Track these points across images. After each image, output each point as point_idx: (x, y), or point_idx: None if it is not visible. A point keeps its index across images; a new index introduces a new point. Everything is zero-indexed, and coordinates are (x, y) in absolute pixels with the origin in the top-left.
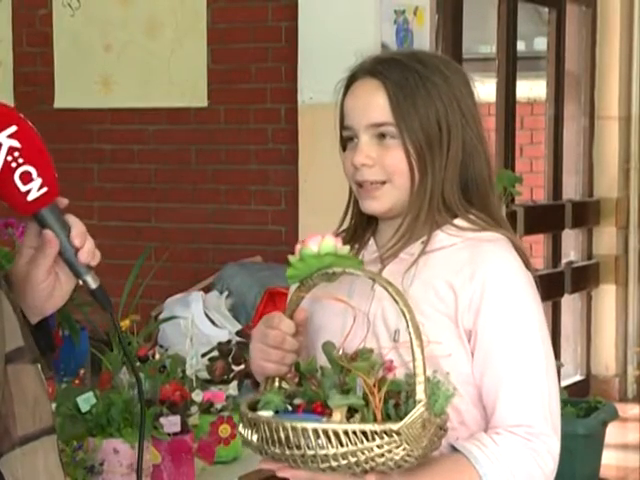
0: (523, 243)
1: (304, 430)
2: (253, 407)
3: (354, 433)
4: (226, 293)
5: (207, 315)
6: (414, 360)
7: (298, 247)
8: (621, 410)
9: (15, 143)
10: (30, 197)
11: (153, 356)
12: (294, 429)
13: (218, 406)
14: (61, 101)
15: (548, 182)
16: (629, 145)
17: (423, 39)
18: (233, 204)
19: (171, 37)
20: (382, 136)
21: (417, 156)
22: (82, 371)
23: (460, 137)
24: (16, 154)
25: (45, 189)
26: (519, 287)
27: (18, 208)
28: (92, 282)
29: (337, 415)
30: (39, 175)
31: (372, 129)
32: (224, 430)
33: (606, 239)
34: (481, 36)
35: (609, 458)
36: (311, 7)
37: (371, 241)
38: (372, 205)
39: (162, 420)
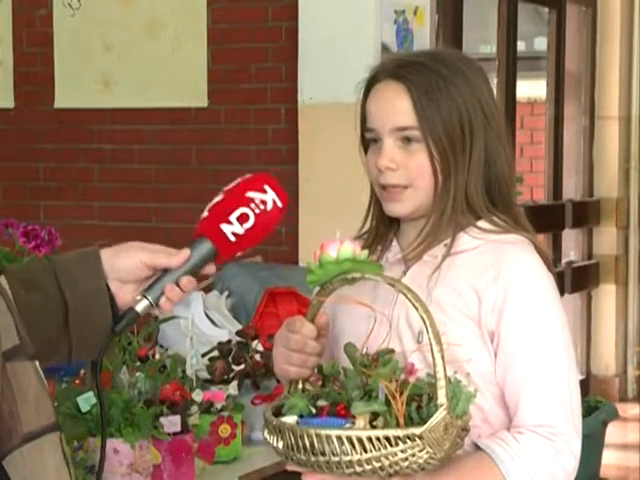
0: (544, 245)
1: (328, 437)
2: (278, 411)
3: (377, 439)
4: (226, 293)
5: (207, 315)
6: (435, 365)
7: (317, 253)
8: (621, 410)
9: (270, 200)
10: (222, 226)
11: (153, 356)
12: (318, 436)
13: (218, 406)
14: (61, 101)
15: (548, 182)
16: (629, 145)
17: (423, 39)
18: None
19: (171, 37)
20: (406, 139)
21: (440, 159)
22: (82, 371)
23: (482, 138)
24: (259, 203)
25: (233, 239)
26: (542, 289)
27: (207, 220)
28: (141, 306)
29: (360, 421)
30: (246, 231)
31: (396, 132)
32: (224, 430)
33: (606, 239)
34: (481, 36)
35: (609, 458)
36: (311, 7)
37: (394, 242)
38: (395, 208)
39: (162, 420)
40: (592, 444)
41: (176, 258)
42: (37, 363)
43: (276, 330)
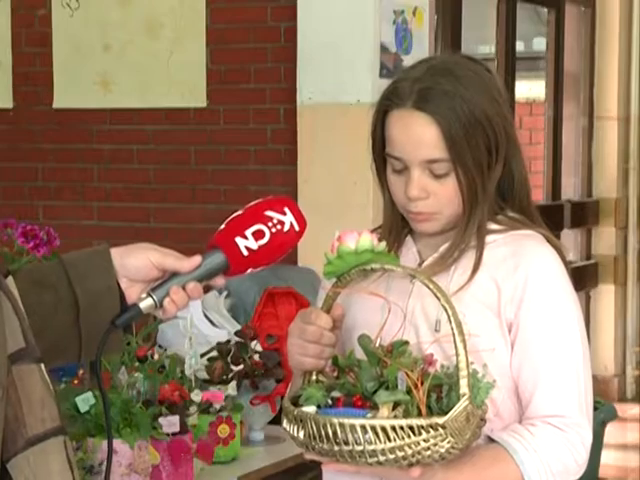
0: (558, 241)
1: (352, 426)
2: (294, 402)
3: (401, 428)
4: (225, 293)
5: (206, 315)
6: (457, 355)
7: (335, 244)
8: (620, 410)
9: (287, 222)
10: (236, 239)
11: (152, 356)
12: (342, 425)
13: (217, 406)
14: (60, 101)
15: (547, 182)
16: (628, 145)
17: (422, 39)
18: (232, 204)
19: (170, 37)
20: (435, 168)
21: (468, 186)
22: (81, 371)
23: (504, 151)
24: (276, 223)
25: (245, 253)
26: (560, 281)
27: (222, 232)
28: (145, 304)
29: (384, 411)
30: (260, 247)
31: (425, 164)
32: (223, 430)
33: (605, 239)
34: (480, 36)
35: (608, 458)
36: (310, 7)
37: (408, 237)
38: (426, 228)
39: (161, 420)
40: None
41: (186, 262)
42: (43, 366)
43: (275, 330)
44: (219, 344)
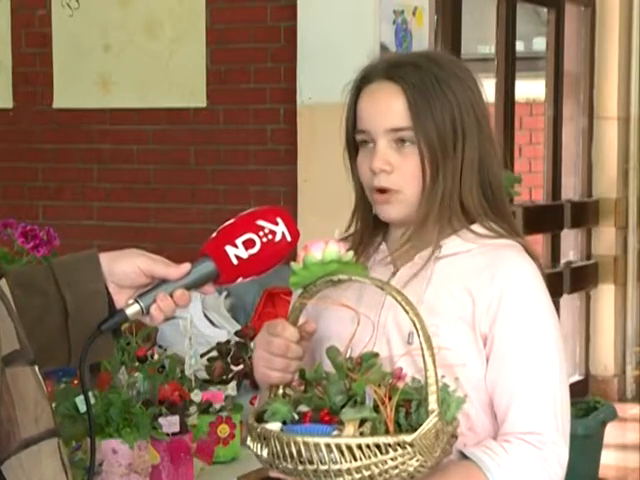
0: (536, 250)
1: (316, 445)
2: (260, 417)
3: (367, 446)
4: (225, 293)
5: (206, 315)
6: (426, 370)
7: (301, 254)
8: (620, 410)
9: (279, 233)
10: (226, 247)
11: (152, 356)
12: (306, 444)
13: (217, 406)
14: (60, 101)
15: (547, 182)
16: (628, 145)
17: (422, 39)
18: (232, 204)
19: (170, 37)
20: (400, 141)
21: (430, 162)
22: None
23: (475, 140)
24: (267, 233)
25: (235, 262)
26: (537, 294)
27: (213, 240)
28: (131, 310)
29: (350, 429)
30: (251, 256)
31: (390, 134)
32: (223, 430)
33: (605, 239)
34: (480, 36)
35: (608, 458)
36: (310, 7)
37: (382, 245)
38: (389, 211)
39: (161, 420)
40: (591, 444)
41: (175, 270)
42: (37, 368)
43: None
44: (219, 344)
